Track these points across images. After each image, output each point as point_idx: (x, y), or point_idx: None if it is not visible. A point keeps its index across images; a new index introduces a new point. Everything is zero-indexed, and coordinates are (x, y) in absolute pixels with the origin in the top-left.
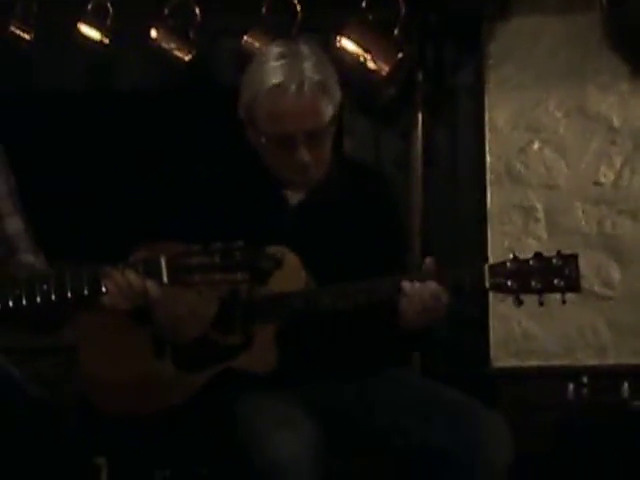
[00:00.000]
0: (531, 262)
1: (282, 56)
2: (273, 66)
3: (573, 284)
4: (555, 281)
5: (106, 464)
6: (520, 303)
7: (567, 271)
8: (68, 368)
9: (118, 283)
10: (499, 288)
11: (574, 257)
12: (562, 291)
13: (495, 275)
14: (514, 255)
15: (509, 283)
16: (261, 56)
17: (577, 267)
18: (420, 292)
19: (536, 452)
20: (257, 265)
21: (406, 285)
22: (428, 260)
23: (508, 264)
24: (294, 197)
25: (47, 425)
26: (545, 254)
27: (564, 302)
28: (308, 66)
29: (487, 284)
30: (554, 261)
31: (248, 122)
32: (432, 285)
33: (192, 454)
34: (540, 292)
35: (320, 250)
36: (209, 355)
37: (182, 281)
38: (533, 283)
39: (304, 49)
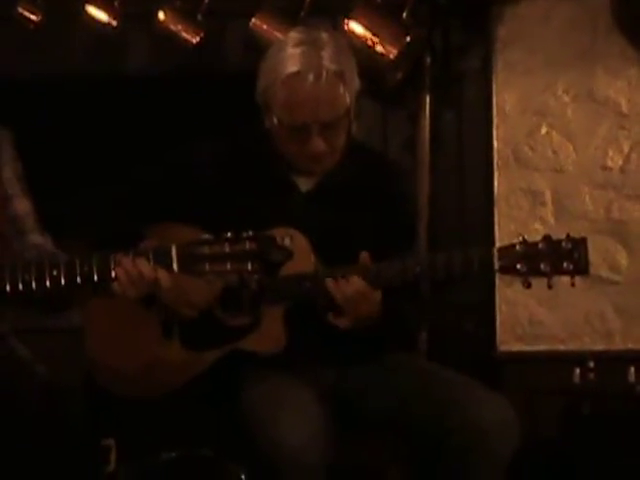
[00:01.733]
0: (540, 245)
1: (301, 43)
2: (291, 53)
3: (582, 267)
4: (564, 264)
5: (115, 445)
6: (529, 285)
7: (576, 254)
8: (76, 349)
9: (129, 271)
10: (508, 270)
11: (583, 240)
12: (571, 274)
13: (504, 258)
14: (523, 238)
15: (518, 266)
16: (280, 42)
17: (586, 250)
18: (343, 290)
19: (542, 436)
20: (268, 257)
21: (330, 283)
22: (363, 255)
23: (517, 247)
24: (305, 184)
25: (55, 406)
26: (554, 237)
27: (573, 285)
28: (326, 55)
29: (496, 266)
30: (563, 244)
31: (265, 108)
32: (357, 284)
33: (198, 436)
34: (549, 275)
35: (330, 237)
36: (217, 336)
37: (192, 270)
38: (542, 266)
39: (324, 37)
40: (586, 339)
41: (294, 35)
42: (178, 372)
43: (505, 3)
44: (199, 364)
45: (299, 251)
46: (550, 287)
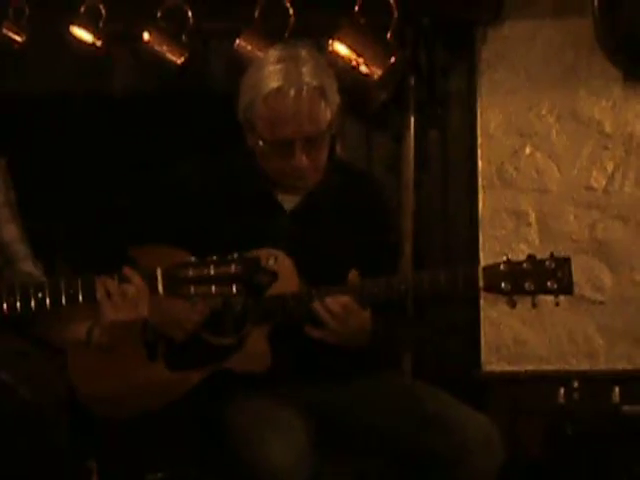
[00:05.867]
0: (524, 264)
1: (281, 60)
2: (271, 70)
3: (566, 287)
4: (548, 283)
5: (96, 467)
6: (514, 304)
7: (560, 274)
8: (59, 371)
9: (112, 293)
10: (493, 289)
11: (567, 260)
12: (555, 293)
13: (489, 276)
14: (507, 257)
15: (502, 285)
16: (259, 60)
17: (570, 270)
18: (329, 307)
19: (526, 457)
20: (253, 279)
21: (316, 306)
22: (352, 274)
23: (501, 266)
24: (289, 202)
25: (38, 427)
26: (538, 257)
27: (557, 304)
28: (306, 71)
29: (481, 285)
30: (547, 263)
31: (247, 126)
32: (342, 300)
33: (183, 457)
34: (533, 294)
35: (314, 255)
36: (202, 356)
37: (177, 292)
38: (526, 285)
39: (302, 53)
40: (570, 359)
41: (273, 52)
42: (163, 393)
43: (489, 24)
44: (184, 384)
45: (283, 272)
46: (534, 305)
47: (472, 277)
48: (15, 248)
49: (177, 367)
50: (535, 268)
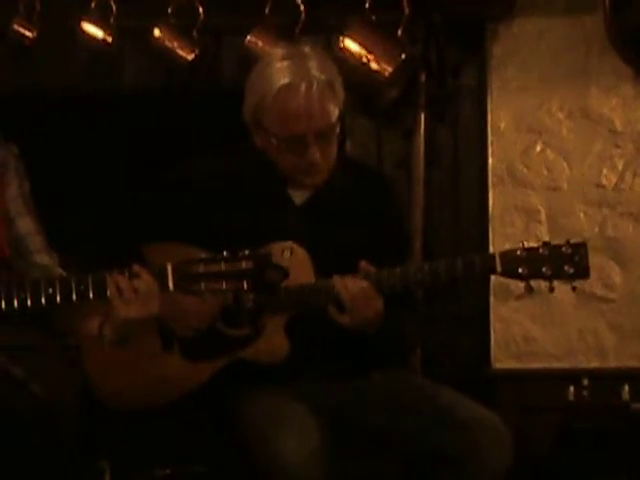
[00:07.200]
0: (541, 250)
1: (287, 57)
2: (280, 67)
3: (583, 271)
4: (565, 267)
5: (109, 467)
6: (531, 289)
7: (577, 258)
8: (71, 366)
9: (123, 290)
10: (510, 274)
11: (583, 245)
12: (572, 278)
13: (506, 262)
14: (523, 244)
15: (520, 269)
16: (264, 59)
17: (586, 254)
18: (349, 287)
19: (536, 454)
20: (264, 276)
21: (337, 279)
22: (363, 263)
23: (518, 251)
24: (299, 197)
25: (49, 424)
26: (554, 242)
27: (574, 289)
28: (314, 65)
29: (499, 269)
30: (563, 249)
31: (255, 124)
32: (362, 283)
33: (192, 453)
34: (550, 278)
35: (323, 250)
36: (217, 347)
37: (188, 289)
38: (544, 269)
39: (307, 49)
40: (580, 357)
41: (278, 50)
42: (180, 383)
43: (500, 21)
44: (200, 375)
45: (299, 263)
46: (552, 290)
47: (489, 262)
48: (30, 240)
49: (193, 358)
50: (552, 253)
